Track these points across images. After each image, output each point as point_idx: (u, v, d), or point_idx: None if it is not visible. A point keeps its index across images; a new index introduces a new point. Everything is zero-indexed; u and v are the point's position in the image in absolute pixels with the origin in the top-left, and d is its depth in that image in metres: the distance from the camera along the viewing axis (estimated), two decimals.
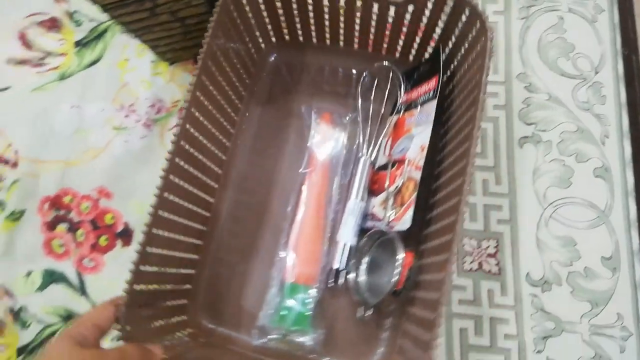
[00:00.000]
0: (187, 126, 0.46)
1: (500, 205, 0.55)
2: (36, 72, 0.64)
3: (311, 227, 0.54)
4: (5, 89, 0.64)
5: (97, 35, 0.65)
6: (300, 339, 0.50)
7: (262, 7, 0.54)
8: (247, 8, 0.53)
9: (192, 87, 0.45)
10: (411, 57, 0.57)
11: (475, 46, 0.44)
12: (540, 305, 0.53)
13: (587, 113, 0.57)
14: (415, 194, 0.47)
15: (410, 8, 0.49)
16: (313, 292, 0.51)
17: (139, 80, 0.63)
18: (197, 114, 0.48)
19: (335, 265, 0.51)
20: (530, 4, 0.62)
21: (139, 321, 0.43)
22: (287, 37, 0.60)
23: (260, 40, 0.59)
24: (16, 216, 0.59)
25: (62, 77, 0.63)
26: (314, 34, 0.58)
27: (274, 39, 0.60)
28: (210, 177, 0.54)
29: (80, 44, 0.64)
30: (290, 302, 0.51)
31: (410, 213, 0.47)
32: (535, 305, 0.53)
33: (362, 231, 0.52)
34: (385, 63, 0.57)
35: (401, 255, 0.46)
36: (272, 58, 0.61)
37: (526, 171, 0.56)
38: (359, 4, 0.50)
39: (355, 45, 0.58)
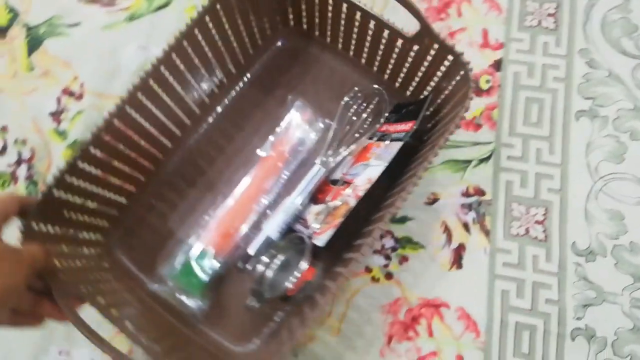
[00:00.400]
0: (162, 68, 0.49)
1: (551, 175, 0.56)
2: (106, 11, 0.66)
3: (242, 205, 0.56)
4: (76, 24, 0.66)
5: None
6: (187, 301, 0.53)
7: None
8: None
9: (190, 24, 0.49)
10: (408, 92, 0.58)
11: (457, 101, 0.47)
12: (583, 274, 0.54)
13: None
14: (342, 219, 0.48)
15: (415, 47, 0.50)
16: (216, 264, 0.53)
17: None
18: (178, 61, 0.50)
19: (250, 251, 0.53)
20: None
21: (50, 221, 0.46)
22: (304, 27, 0.61)
23: (278, 19, 0.61)
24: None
25: (131, 18, 0.65)
26: (328, 33, 0.59)
27: (283, 26, 0.62)
28: (164, 133, 0.56)
29: None
30: (193, 264, 0.53)
31: (329, 233, 0.48)
32: (578, 273, 0.54)
33: (289, 231, 0.54)
34: (380, 87, 0.58)
35: (304, 266, 0.48)
36: (280, 43, 0.62)
37: (580, 144, 0.57)
38: (372, 24, 0.52)
39: (363, 60, 0.59)
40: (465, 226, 0.56)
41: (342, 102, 0.58)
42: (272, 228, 0.54)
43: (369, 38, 0.54)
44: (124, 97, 0.47)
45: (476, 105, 0.59)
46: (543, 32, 0.61)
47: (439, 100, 0.53)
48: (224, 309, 0.54)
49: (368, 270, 0.56)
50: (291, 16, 0.60)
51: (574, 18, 0.61)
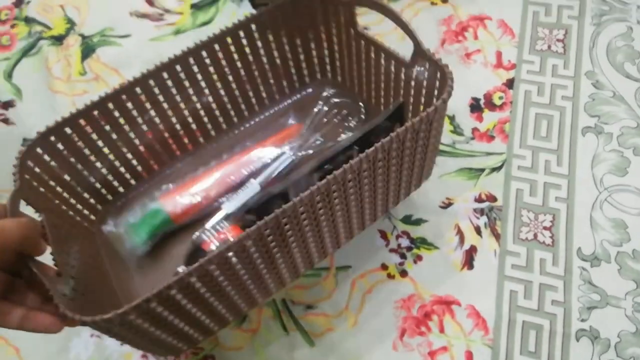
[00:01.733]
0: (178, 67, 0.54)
1: (559, 185, 0.60)
2: (154, 25, 0.73)
3: (218, 181, 0.59)
4: (126, 36, 0.73)
5: (211, 1, 0.73)
6: (126, 243, 0.57)
7: None
8: None
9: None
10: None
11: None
12: (588, 278, 0.57)
13: None
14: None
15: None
16: (170, 226, 0.57)
17: None
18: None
19: (207, 225, 0.56)
20: (603, 13, 0.68)
21: None
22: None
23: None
24: None
25: (177, 32, 0.72)
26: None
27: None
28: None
29: (196, 7, 0.73)
30: (146, 220, 0.57)
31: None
32: (583, 277, 0.57)
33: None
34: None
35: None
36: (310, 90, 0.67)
37: (586, 157, 0.61)
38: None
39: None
40: (477, 229, 0.60)
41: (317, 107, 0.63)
42: (230, 206, 0.57)
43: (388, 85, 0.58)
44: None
45: (490, 119, 0.64)
46: (552, 55, 0.66)
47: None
48: (157, 268, 0.58)
49: (384, 267, 0.59)
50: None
51: (581, 44, 0.66)
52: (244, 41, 0.57)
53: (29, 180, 0.47)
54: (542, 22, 0.68)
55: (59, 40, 0.73)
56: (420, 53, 0.49)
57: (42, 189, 0.50)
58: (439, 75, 0.48)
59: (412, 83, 0.53)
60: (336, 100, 0.64)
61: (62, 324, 0.37)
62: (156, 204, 0.58)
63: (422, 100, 0.53)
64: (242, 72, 0.59)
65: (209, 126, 0.63)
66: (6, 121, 0.69)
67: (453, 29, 0.69)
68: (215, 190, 0.59)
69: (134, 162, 0.60)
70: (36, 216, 0.47)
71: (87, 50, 0.72)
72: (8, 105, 0.70)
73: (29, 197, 0.45)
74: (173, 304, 0.40)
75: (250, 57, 0.59)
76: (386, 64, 0.55)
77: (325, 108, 0.63)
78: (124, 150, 0.58)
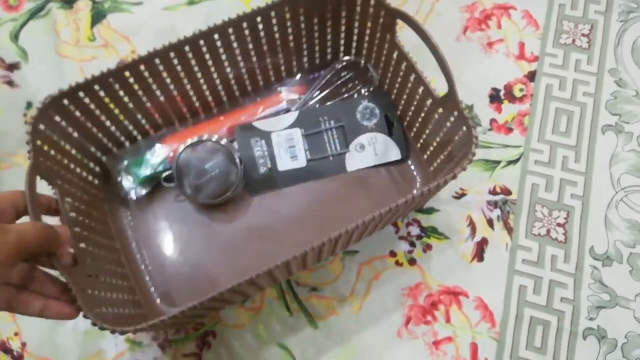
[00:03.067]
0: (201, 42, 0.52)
1: (575, 182, 0.59)
2: None
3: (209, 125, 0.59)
4: (139, 3, 0.70)
5: None
6: (124, 182, 0.57)
7: None
8: None
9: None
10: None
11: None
12: (599, 277, 0.56)
13: None
14: None
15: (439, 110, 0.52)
16: (165, 165, 0.56)
17: None
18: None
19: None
20: (630, 10, 0.66)
21: None
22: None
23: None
24: None
25: (191, 3, 0.70)
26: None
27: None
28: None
29: None
30: (145, 158, 0.57)
31: None
32: (594, 276, 0.56)
33: None
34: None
35: None
36: None
37: (605, 155, 0.60)
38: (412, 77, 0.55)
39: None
40: (490, 222, 0.59)
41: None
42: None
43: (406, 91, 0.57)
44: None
45: (509, 111, 0.63)
46: (576, 50, 0.65)
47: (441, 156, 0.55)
48: (152, 209, 0.58)
49: (393, 254, 0.58)
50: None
51: (606, 40, 0.65)
52: (274, 20, 0.55)
53: (40, 147, 0.46)
54: (568, 16, 0.66)
55: (68, 3, 0.71)
56: (452, 101, 0.48)
57: (54, 155, 0.48)
58: (464, 129, 0.48)
59: (434, 117, 0.53)
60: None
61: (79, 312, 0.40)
62: (154, 148, 0.58)
63: (437, 138, 0.54)
64: (266, 49, 0.58)
65: (225, 99, 0.61)
66: (10, 83, 0.67)
67: (476, 16, 0.67)
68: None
69: (148, 127, 0.59)
70: (49, 189, 0.46)
71: (98, 15, 0.70)
72: (13, 67, 0.68)
73: (43, 170, 0.44)
74: (192, 315, 0.39)
75: (277, 35, 0.57)
76: (415, 84, 0.54)
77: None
78: (139, 117, 0.57)
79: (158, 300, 0.55)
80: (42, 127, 0.46)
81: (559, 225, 0.58)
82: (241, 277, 0.40)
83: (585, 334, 0.54)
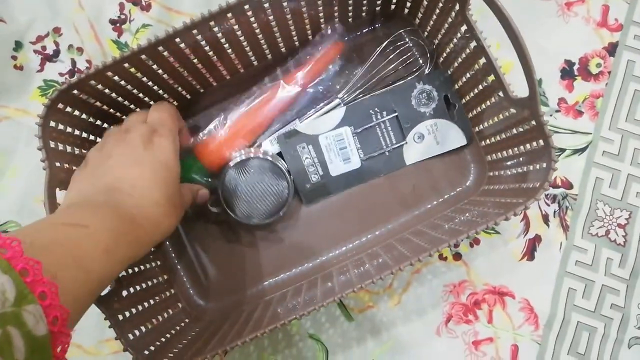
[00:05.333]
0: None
1: None
2: None
3: (256, 116, 0.50)
4: None
5: None
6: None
7: None
8: None
9: None
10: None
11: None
12: None
13: None
14: None
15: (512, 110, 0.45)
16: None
17: None
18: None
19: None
20: None
21: None
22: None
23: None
24: None
25: None
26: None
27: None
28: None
29: None
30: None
31: None
32: None
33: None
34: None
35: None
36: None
37: None
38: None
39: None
40: (545, 218, 0.54)
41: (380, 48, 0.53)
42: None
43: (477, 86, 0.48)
44: (189, 22, 0.40)
45: (581, 90, 0.55)
46: None
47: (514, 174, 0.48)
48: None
49: None
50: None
51: None
52: None
53: (54, 151, 0.39)
54: None
55: None
56: (532, 109, 0.41)
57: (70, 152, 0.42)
58: (541, 143, 0.42)
59: (502, 113, 0.46)
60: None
61: None
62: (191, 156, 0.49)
63: (502, 135, 0.47)
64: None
65: (250, 54, 0.51)
66: None
67: None
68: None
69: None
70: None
71: None
72: None
73: (61, 179, 0.39)
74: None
75: None
76: (484, 70, 0.45)
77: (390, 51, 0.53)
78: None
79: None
80: (52, 124, 0.38)
81: (619, 226, 0.53)
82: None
83: (631, 343, 0.52)
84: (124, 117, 0.48)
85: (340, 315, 0.53)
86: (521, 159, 0.46)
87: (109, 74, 0.41)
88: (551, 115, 0.55)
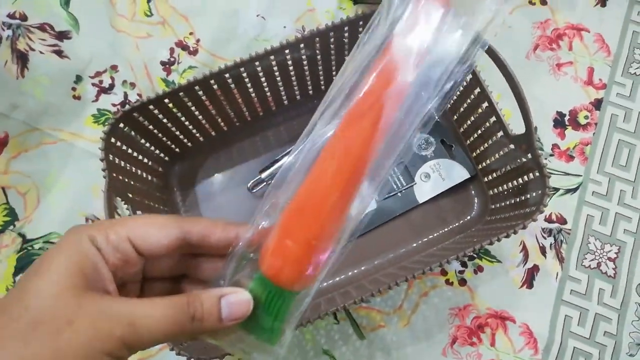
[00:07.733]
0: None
1: (630, 217, 0.60)
2: None
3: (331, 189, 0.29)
4: None
5: None
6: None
7: None
8: None
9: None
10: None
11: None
12: None
13: None
14: None
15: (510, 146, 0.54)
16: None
17: (324, 9, 0.66)
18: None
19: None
20: None
21: None
22: None
23: None
24: None
25: None
26: None
27: None
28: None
29: None
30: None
31: None
32: (638, 313, 0.57)
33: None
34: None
35: None
36: None
37: None
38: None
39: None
40: (542, 249, 0.59)
41: None
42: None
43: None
44: (235, 62, 0.49)
45: (572, 138, 0.62)
46: None
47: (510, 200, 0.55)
48: None
49: (444, 272, 0.59)
50: None
51: None
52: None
53: (112, 162, 0.45)
54: None
55: None
56: (528, 143, 0.48)
57: (123, 167, 0.48)
58: (537, 174, 0.48)
59: (502, 149, 0.53)
60: None
61: None
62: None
63: (502, 169, 0.54)
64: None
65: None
66: (59, 54, 0.64)
67: (548, 34, 0.65)
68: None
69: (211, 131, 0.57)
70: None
71: None
72: (63, 36, 0.65)
73: (118, 189, 0.44)
74: None
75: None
76: (486, 114, 0.53)
77: None
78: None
79: None
80: (113, 140, 0.45)
81: (610, 259, 0.59)
82: None
83: None
84: (169, 142, 0.55)
85: (353, 334, 0.57)
86: (519, 188, 0.52)
87: (166, 100, 0.48)
88: (546, 159, 0.62)
